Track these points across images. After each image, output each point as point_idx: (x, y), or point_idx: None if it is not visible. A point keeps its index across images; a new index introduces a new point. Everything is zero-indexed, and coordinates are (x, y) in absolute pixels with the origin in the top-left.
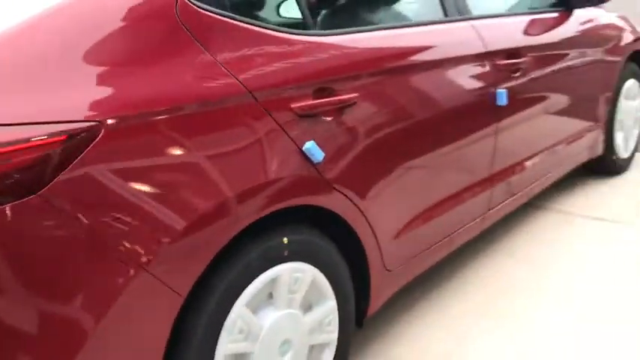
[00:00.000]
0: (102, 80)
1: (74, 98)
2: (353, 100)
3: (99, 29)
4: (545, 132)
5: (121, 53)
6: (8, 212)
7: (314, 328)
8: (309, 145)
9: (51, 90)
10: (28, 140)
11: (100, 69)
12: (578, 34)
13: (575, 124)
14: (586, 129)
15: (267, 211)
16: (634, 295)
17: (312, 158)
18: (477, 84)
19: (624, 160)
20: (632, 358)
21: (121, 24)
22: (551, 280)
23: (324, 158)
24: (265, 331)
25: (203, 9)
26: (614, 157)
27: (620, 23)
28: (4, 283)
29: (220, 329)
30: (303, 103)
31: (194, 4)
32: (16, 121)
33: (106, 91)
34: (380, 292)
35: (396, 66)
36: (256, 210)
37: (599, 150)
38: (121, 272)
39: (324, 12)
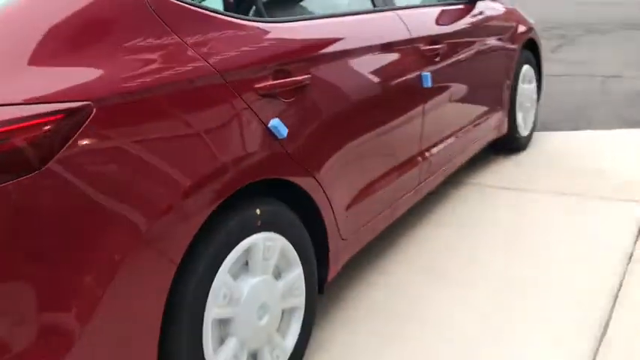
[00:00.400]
0: (85, 64)
1: (63, 80)
2: (306, 81)
3: (77, 17)
4: (460, 113)
5: (100, 39)
6: (11, 189)
7: (285, 293)
8: (275, 122)
9: (39, 73)
10: (29, 118)
11: (82, 54)
12: (482, 24)
13: (484, 106)
14: (493, 110)
15: (243, 183)
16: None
17: (278, 134)
18: (407, 67)
19: (525, 137)
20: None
21: (99, 12)
22: (477, 240)
23: (287, 134)
24: (245, 296)
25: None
26: (517, 136)
27: (515, 14)
28: (9, 254)
29: (207, 295)
30: (265, 84)
31: None
32: (10, 102)
33: (91, 74)
34: (337, 260)
35: (340, 51)
36: (234, 182)
37: (504, 129)
38: (122, 244)
39: (275, 2)
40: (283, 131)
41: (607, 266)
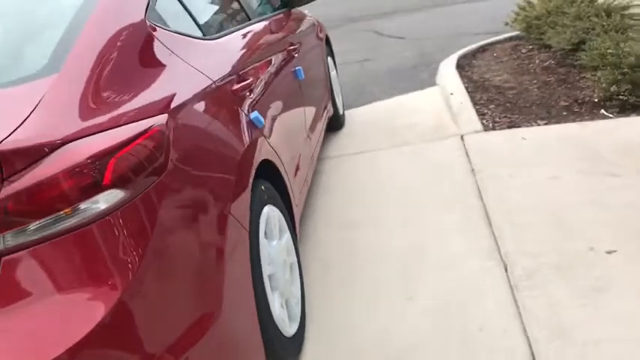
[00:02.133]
0: (147, 86)
1: (146, 98)
2: (253, 82)
3: (125, 54)
4: (317, 99)
5: (143, 66)
6: (152, 194)
7: (287, 253)
8: (255, 115)
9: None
10: (147, 131)
11: (140, 80)
12: (303, 26)
13: (324, 91)
14: (326, 95)
15: (259, 162)
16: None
17: (258, 124)
18: (289, 65)
19: (342, 116)
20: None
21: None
22: (348, 191)
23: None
24: (274, 255)
25: (166, 29)
26: (339, 114)
27: (312, 17)
28: (160, 242)
29: (260, 256)
30: (236, 87)
31: (161, 27)
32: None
33: (156, 92)
34: (297, 225)
35: (259, 57)
36: (256, 163)
37: (331, 110)
38: (223, 221)
39: (209, 22)
40: (262, 121)
41: (462, 179)
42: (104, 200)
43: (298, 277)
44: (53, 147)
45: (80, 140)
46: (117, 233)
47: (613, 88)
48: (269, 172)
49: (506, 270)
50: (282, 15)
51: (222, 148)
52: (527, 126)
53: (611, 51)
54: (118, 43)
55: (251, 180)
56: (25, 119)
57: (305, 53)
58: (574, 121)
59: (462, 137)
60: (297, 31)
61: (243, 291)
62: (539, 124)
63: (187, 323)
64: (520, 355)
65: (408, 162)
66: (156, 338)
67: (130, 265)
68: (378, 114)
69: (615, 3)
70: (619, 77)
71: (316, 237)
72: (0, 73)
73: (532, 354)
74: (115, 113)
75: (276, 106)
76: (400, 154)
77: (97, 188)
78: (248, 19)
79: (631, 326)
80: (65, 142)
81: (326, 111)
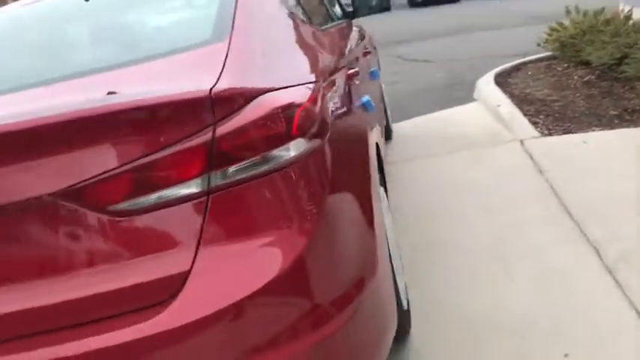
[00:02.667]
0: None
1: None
2: (355, 72)
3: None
4: (378, 102)
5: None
6: (325, 149)
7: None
8: (367, 99)
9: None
10: (316, 90)
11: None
12: (362, 35)
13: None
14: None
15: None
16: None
17: (370, 108)
18: (367, 66)
19: (391, 126)
20: None
21: None
22: (417, 191)
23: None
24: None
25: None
26: (389, 126)
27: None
28: (332, 195)
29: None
30: (349, 72)
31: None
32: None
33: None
34: None
35: (354, 52)
36: (374, 141)
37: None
38: (368, 186)
39: (314, 16)
40: (372, 106)
41: (532, 178)
42: (294, 148)
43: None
44: (249, 98)
45: (269, 93)
46: (303, 180)
47: None
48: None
49: (599, 254)
50: (346, 23)
51: (357, 121)
52: (582, 132)
53: None
54: (267, 19)
55: (375, 156)
56: (220, 75)
57: (370, 58)
58: (628, 127)
59: (521, 142)
60: (364, 38)
61: (385, 258)
62: (594, 130)
63: (350, 280)
64: (634, 328)
65: (472, 164)
66: (327, 287)
67: (314, 212)
68: (423, 126)
69: None
70: None
71: (398, 227)
72: (174, 42)
73: None
74: (284, 74)
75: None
76: (459, 158)
77: (287, 137)
78: (332, 20)
79: None
80: (259, 93)
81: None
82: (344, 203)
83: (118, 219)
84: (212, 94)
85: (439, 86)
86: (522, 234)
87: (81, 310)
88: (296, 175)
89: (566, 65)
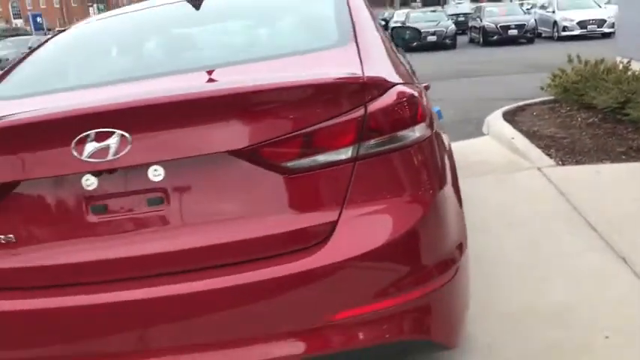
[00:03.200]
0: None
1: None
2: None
3: None
4: None
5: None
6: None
7: None
8: (437, 109)
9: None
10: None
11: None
12: None
13: None
14: None
15: None
16: None
17: (440, 117)
18: None
19: None
20: None
21: None
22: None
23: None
24: None
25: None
26: None
27: None
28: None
29: None
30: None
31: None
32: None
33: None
34: None
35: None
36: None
37: None
38: (455, 170)
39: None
40: (442, 115)
41: (554, 199)
42: (418, 130)
43: None
44: (387, 87)
45: (398, 85)
46: (425, 157)
47: None
48: None
49: (626, 262)
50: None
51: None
52: (594, 164)
53: None
54: (373, 30)
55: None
56: (362, 69)
57: None
58: (636, 162)
59: (539, 169)
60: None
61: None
62: (604, 163)
63: (455, 241)
64: None
65: (495, 187)
66: (441, 246)
67: (434, 181)
68: None
69: None
70: None
71: None
72: (309, 43)
73: None
74: (397, 73)
75: None
76: (485, 181)
77: (414, 121)
78: None
79: None
80: (393, 85)
81: None
82: (447, 180)
83: (285, 175)
84: (365, 79)
85: (451, 121)
86: (553, 244)
87: (251, 249)
88: (418, 153)
89: (568, 108)
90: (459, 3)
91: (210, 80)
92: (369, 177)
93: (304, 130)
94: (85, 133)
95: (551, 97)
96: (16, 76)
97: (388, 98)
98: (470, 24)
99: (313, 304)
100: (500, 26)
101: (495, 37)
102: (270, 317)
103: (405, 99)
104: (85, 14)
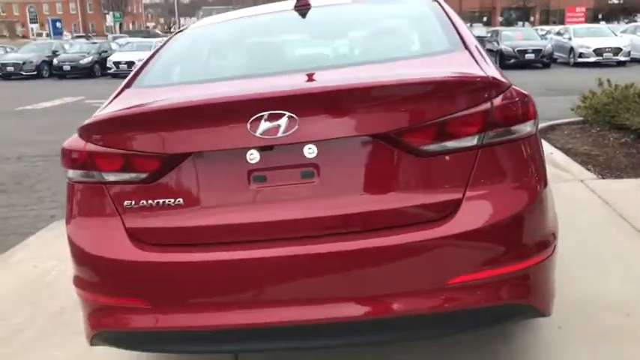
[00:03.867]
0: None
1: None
2: None
3: None
4: None
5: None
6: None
7: None
8: None
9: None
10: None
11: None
12: None
13: None
14: None
15: None
16: None
17: None
18: None
19: None
20: None
21: None
22: None
23: None
24: None
25: None
26: None
27: None
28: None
29: None
30: None
31: None
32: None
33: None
34: None
35: None
36: None
37: None
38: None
39: None
40: None
41: (599, 208)
42: (529, 126)
43: None
44: (504, 86)
45: (513, 86)
46: (533, 149)
47: None
48: None
49: None
50: None
51: None
52: (632, 179)
53: None
54: (471, 36)
55: None
56: (483, 71)
57: None
58: None
59: (582, 181)
60: None
61: None
62: None
63: (553, 226)
64: None
65: None
66: (543, 226)
67: (539, 171)
68: None
69: None
70: None
71: None
72: (421, 51)
73: None
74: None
75: None
76: None
77: (526, 118)
78: None
79: None
80: (509, 86)
81: None
82: (546, 172)
83: (420, 157)
84: (491, 79)
85: None
86: (606, 245)
87: (388, 218)
88: (529, 145)
89: (599, 128)
90: (471, 26)
91: (358, 75)
92: (489, 163)
93: (440, 120)
94: (260, 114)
95: (580, 118)
96: (156, 69)
97: (510, 96)
98: (486, 47)
99: (438, 268)
100: (518, 50)
101: (512, 61)
102: (401, 277)
103: (521, 98)
104: (101, 21)
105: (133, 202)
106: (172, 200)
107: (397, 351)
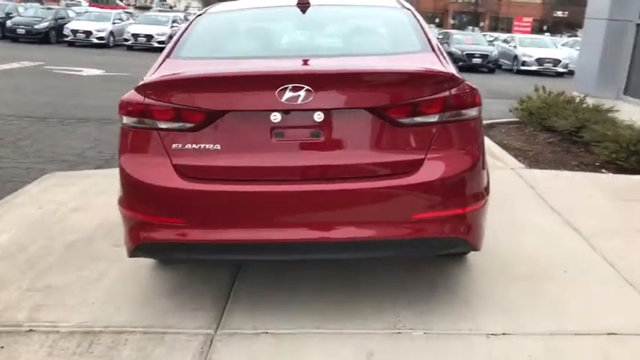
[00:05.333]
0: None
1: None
2: None
3: None
4: None
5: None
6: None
7: None
8: None
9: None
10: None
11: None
12: None
13: None
14: None
15: None
16: None
17: None
18: None
19: None
20: None
21: None
22: None
23: None
24: None
25: None
26: None
27: None
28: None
29: None
30: None
31: None
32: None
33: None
34: None
35: None
36: None
37: None
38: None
39: None
40: None
41: (526, 191)
42: (475, 111)
43: None
44: (459, 81)
45: (466, 81)
46: (476, 128)
47: (612, 156)
48: None
49: (578, 232)
50: None
51: None
52: (554, 170)
53: (610, 132)
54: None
55: None
56: (445, 68)
57: None
58: (586, 172)
59: (513, 169)
60: None
61: None
62: (561, 171)
63: (482, 187)
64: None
65: None
66: (479, 184)
67: (479, 144)
68: None
69: (599, 105)
70: (617, 148)
71: None
72: (398, 49)
73: None
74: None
75: None
76: None
77: (474, 104)
78: None
79: None
80: (463, 80)
81: None
82: (484, 145)
83: (398, 128)
84: (449, 74)
85: None
86: (526, 217)
87: (373, 169)
88: (474, 125)
89: (532, 129)
90: None
91: (357, 63)
92: (445, 135)
93: (413, 100)
94: (287, 85)
95: (516, 119)
96: (188, 45)
97: (463, 88)
98: None
99: (404, 207)
100: (467, 53)
101: (460, 64)
102: (377, 211)
103: (470, 90)
104: None
105: (180, 145)
106: (211, 145)
107: (363, 277)
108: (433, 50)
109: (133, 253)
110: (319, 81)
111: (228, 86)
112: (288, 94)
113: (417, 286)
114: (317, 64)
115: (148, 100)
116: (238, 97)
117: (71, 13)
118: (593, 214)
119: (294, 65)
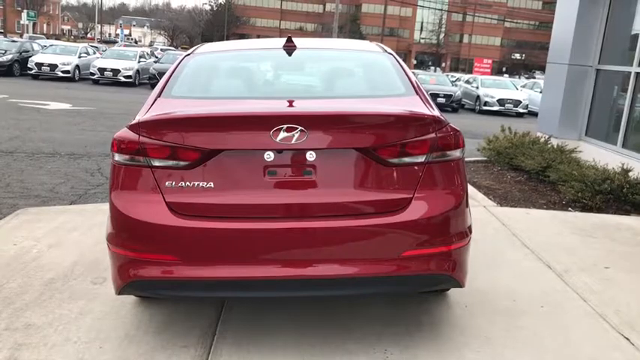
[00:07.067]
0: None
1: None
2: None
3: None
4: None
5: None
6: (459, 158)
7: None
8: None
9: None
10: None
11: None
12: None
13: None
14: None
15: None
16: None
17: None
18: None
19: None
20: None
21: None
22: None
23: None
24: None
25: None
26: None
27: None
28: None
29: None
30: None
31: None
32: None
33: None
34: None
35: None
36: None
37: None
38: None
39: None
40: None
41: (499, 229)
42: (459, 152)
43: None
44: (444, 123)
45: (450, 123)
46: (460, 169)
47: (578, 195)
48: None
49: (550, 267)
50: None
51: None
52: (524, 208)
53: (576, 172)
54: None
55: None
56: (429, 110)
57: None
58: (555, 210)
59: (484, 207)
60: None
61: None
62: (531, 209)
63: (467, 225)
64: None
65: None
66: (464, 222)
67: (463, 184)
68: None
69: (563, 145)
70: (583, 188)
71: None
72: (384, 92)
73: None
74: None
75: None
76: None
77: (457, 146)
78: None
79: None
80: (447, 122)
81: None
82: (467, 184)
83: (387, 167)
84: (436, 117)
85: None
86: (500, 254)
87: (362, 208)
88: (458, 165)
89: (499, 168)
90: None
91: (347, 105)
92: (431, 175)
93: (401, 141)
94: (281, 126)
95: (484, 158)
96: (178, 84)
97: (447, 130)
98: None
99: (392, 244)
100: (431, 93)
101: None
102: (368, 249)
103: (454, 132)
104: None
105: (174, 183)
106: (205, 183)
107: (347, 313)
108: (417, 93)
109: (122, 290)
110: (313, 122)
111: (225, 126)
112: (282, 135)
113: (401, 322)
114: (311, 106)
115: (142, 139)
116: (234, 136)
117: (36, 47)
118: (563, 251)
119: (289, 107)
